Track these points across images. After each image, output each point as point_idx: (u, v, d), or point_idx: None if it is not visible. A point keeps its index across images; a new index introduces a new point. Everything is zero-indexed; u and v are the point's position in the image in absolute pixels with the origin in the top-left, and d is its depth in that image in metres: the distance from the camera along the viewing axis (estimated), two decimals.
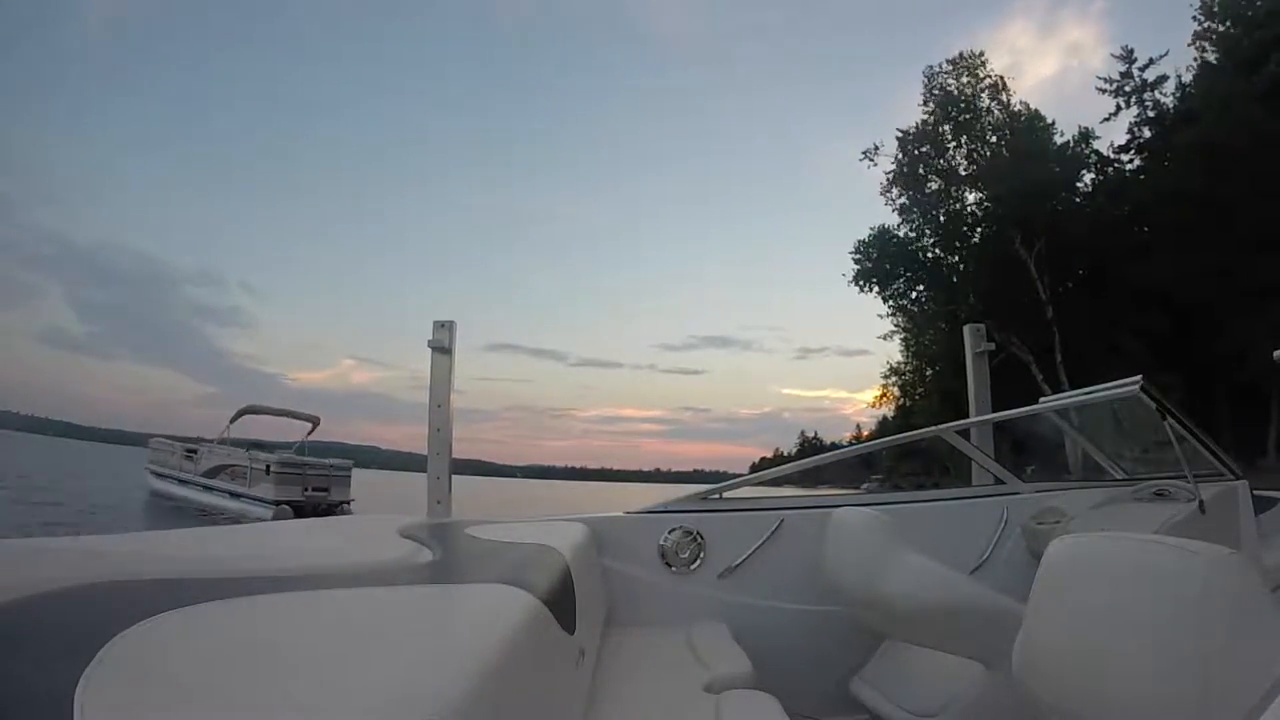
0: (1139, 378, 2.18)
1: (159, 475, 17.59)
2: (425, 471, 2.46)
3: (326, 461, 16.50)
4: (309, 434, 17.23)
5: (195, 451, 16.92)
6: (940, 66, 24.65)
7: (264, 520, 13.57)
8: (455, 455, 2.50)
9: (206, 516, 14.41)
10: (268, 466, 15.18)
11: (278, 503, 14.72)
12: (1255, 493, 2.34)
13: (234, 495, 15.47)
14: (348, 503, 16.29)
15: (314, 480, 15.55)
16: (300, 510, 14.66)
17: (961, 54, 24.57)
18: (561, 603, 1.14)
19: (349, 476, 16.66)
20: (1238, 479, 2.29)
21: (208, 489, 16.03)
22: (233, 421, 17.07)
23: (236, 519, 13.97)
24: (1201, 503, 2.10)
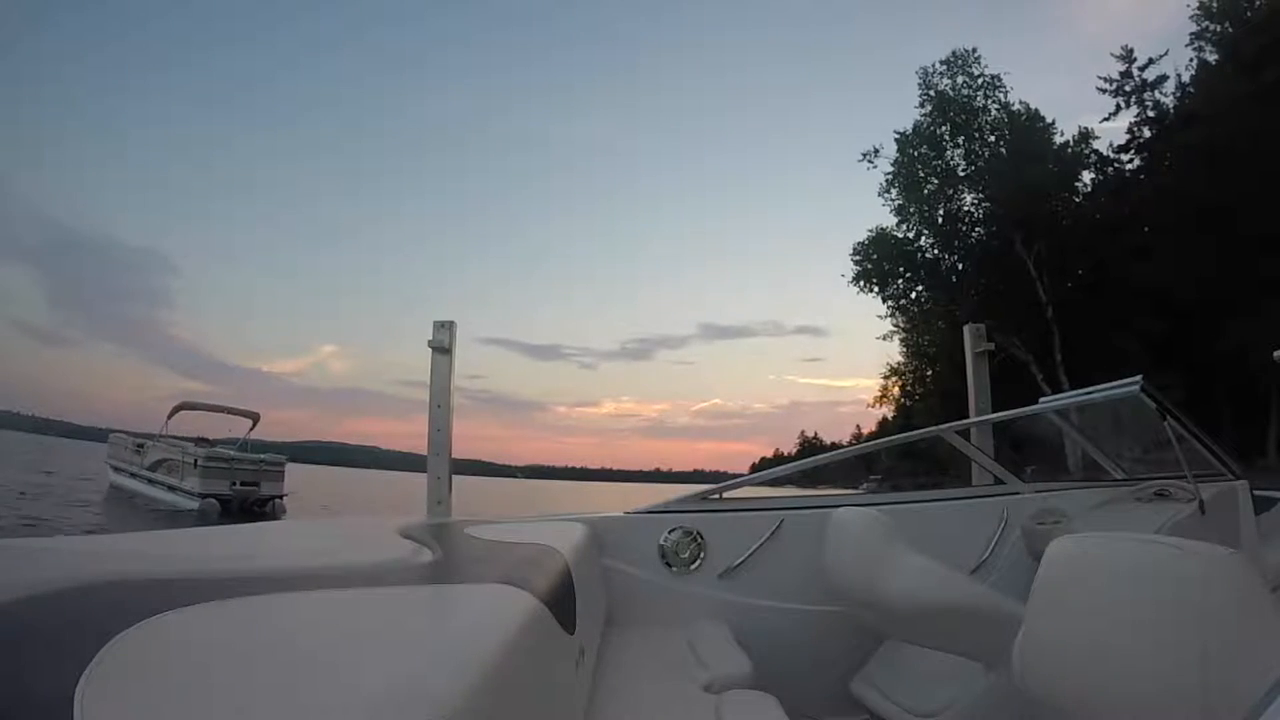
0: (1139, 378, 2.18)
1: (116, 469, 18.13)
2: (424, 472, 2.46)
3: (257, 456, 16.96)
4: (249, 430, 17.83)
5: (143, 446, 17.51)
6: (934, 66, 24.63)
7: (190, 510, 14.42)
8: (453, 454, 2.49)
9: (150, 510, 14.85)
10: (195, 460, 15.62)
11: (204, 495, 15.18)
12: (1255, 493, 2.33)
13: (170, 488, 15.96)
14: (280, 498, 16.87)
15: (242, 474, 16.00)
16: (227, 504, 15.21)
17: (954, 52, 24.50)
18: (561, 603, 1.14)
19: (281, 471, 17.19)
20: (1238, 479, 2.29)
21: (150, 482, 16.59)
22: (170, 417, 17.70)
23: (166, 509, 14.69)
24: (1201, 503, 2.10)
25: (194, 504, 15.07)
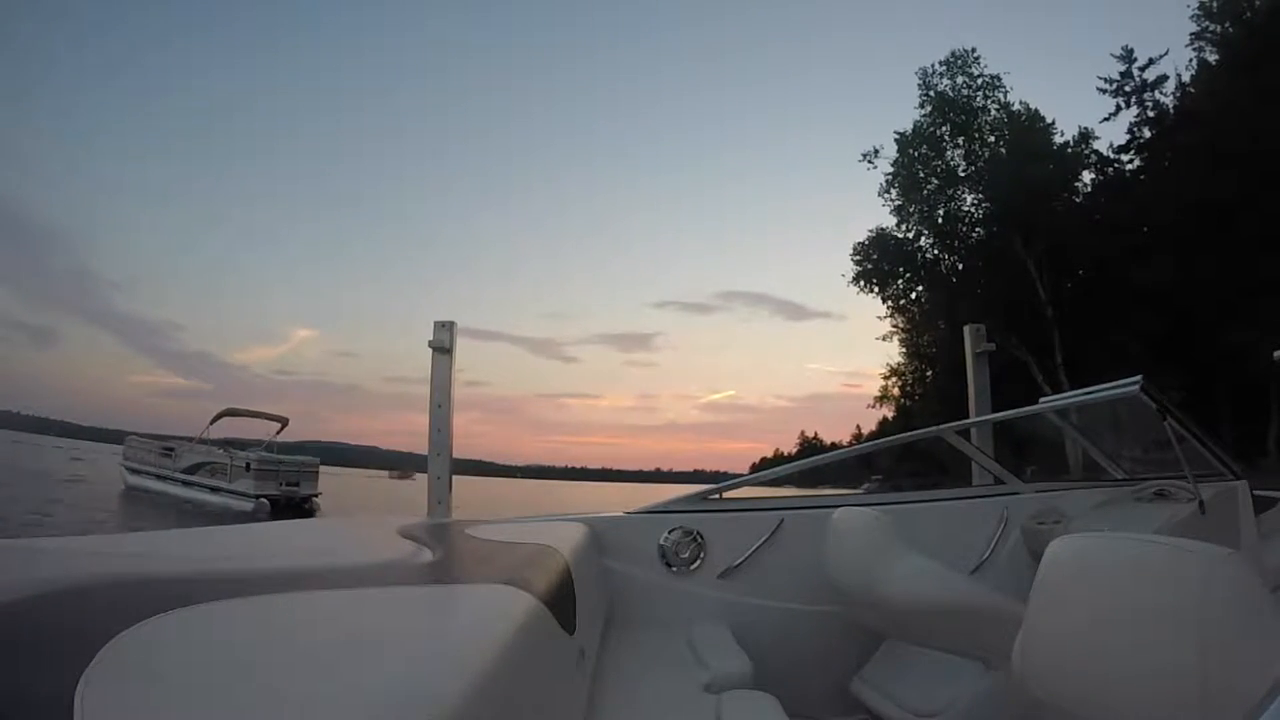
0: (1139, 378, 2.18)
1: (134, 471, 18.93)
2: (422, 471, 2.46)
3: (298, 459, 18.27)
4: (278, 433, 19.10)
5: (172, 450, 18.52)
6: (933, 67, 24.62)
7: (245, 511, 15.40)
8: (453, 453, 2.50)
9: (187, 509, 15.79)
10: (248, 464, 16.79)
11: (258, 496, 16.30)
12: (1255, 493, 2.33)
13: (213, 490, 16.96)
14: (316, 495, 18.11)
15: (287, 476, 17.31)
16: (275, 503, 16.35)
17: (954, 52, 24.49)
18: (561, 603, 1.14)
19: (316, 473, 18.51)
20: (1238, 479, 2.29)
21: (187, 484, 17.57)
22: (213, 422, 18.85)
23: (217, 510, 15.58)
24: (1201, 503, 2.10)
25: (249, 505, 16.19)
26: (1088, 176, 24.25)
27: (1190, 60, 22.22)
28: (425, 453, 2.48)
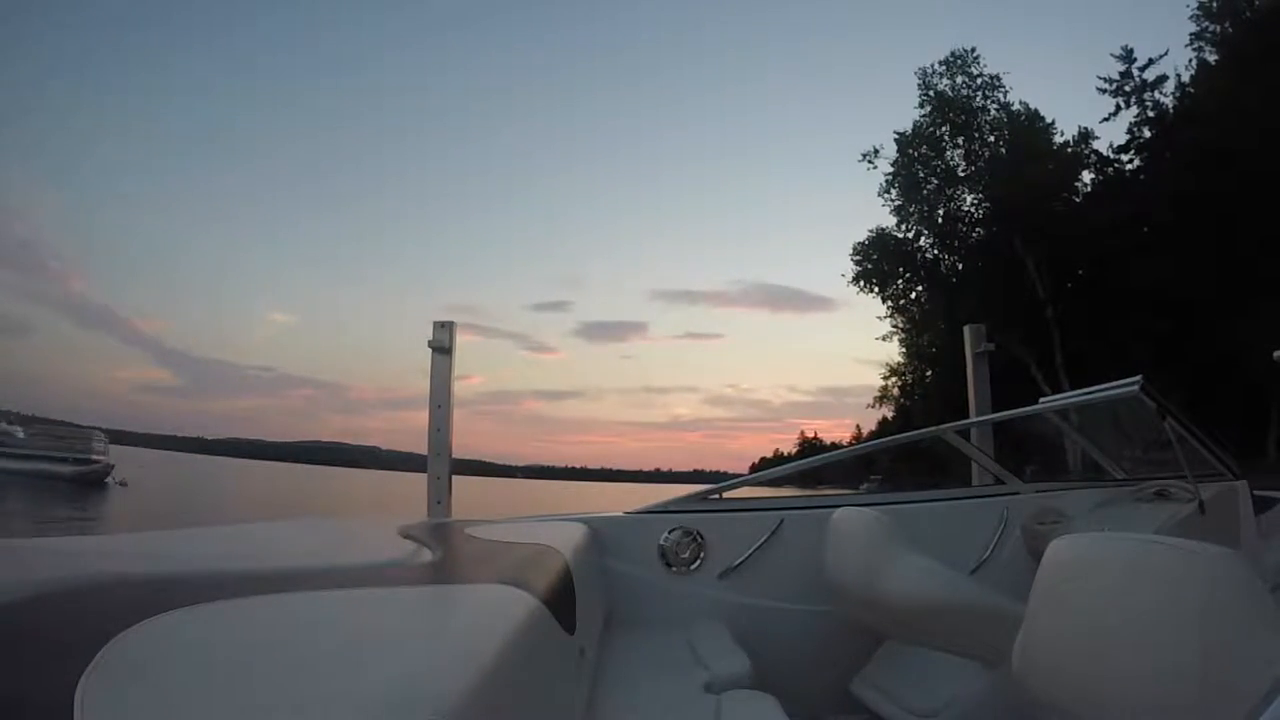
0: (1139, 378, 2.18)
1: None
2: (422, 472, 2.47)
3: None
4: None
5: None
6: (933, 67, 24.63)
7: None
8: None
9: None
10: None
11: None
12: (1255, 493, 2.34)
13: None
14: None
15: None
16: None
17: (953, 52, 24.50)
18: (561, 603, 1.14)
19: None
20: (1238, 479, 2.29)
21: None
22: None
23: None
24: (1201, 503, 2.10)
25: None
26: (1087, 176, 24.33)
27: (1190, 60, 22.31)
28: (425, 453, 2.49)
